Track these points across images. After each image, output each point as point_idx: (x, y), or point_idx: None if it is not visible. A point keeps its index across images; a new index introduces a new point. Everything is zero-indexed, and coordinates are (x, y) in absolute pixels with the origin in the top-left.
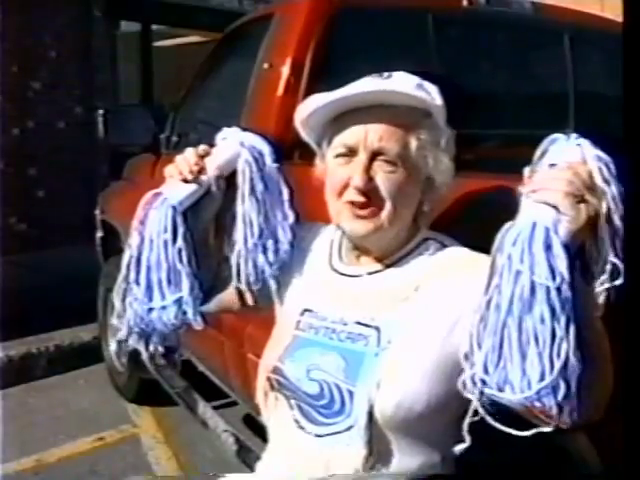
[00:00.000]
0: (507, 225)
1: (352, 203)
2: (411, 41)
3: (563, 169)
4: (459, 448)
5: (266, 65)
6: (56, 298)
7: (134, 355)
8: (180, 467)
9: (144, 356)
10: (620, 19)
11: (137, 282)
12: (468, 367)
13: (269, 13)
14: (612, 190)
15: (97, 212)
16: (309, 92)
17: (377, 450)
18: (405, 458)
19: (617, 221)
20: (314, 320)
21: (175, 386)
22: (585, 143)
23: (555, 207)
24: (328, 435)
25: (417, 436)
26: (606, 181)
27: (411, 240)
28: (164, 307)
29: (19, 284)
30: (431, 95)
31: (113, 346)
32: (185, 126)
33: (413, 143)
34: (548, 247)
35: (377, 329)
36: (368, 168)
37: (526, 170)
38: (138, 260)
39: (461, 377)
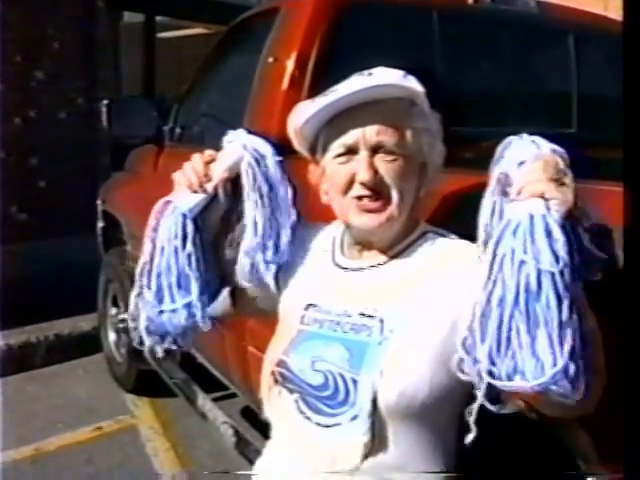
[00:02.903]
0: (493, 221)
1: (359, 198)
2: (416, 37)
3: (533, 162)
4: (468, 439)
5: (271, 59)
6: (56, 288)
7: (133, 346)
8: (178, 458)
9: (146, 350)
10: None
11: (149, 286)
12: (471, 363)
13: (275, 7)
14: (569, 179)
15: (98, 202)
16: (314, 86)
17: (379, 440)
18: (407, 449)
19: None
20: (318, 314)
21: (174, 377)
22: (538, 139)
23: (541, 196)
24: (334, 426)
25: (419, 427)
26: (568, 173)
27: (411, 233)
28: (174, 310)
29: (19, 273)
30: (414, 84)
31: (112, 336)
32: (189, 118)
33: (408, 132)
34: (549, 234)
35: (380, 320)
36: (371, 163)
37: (494, 171)
38: (150, 266)
39: (458, 362)
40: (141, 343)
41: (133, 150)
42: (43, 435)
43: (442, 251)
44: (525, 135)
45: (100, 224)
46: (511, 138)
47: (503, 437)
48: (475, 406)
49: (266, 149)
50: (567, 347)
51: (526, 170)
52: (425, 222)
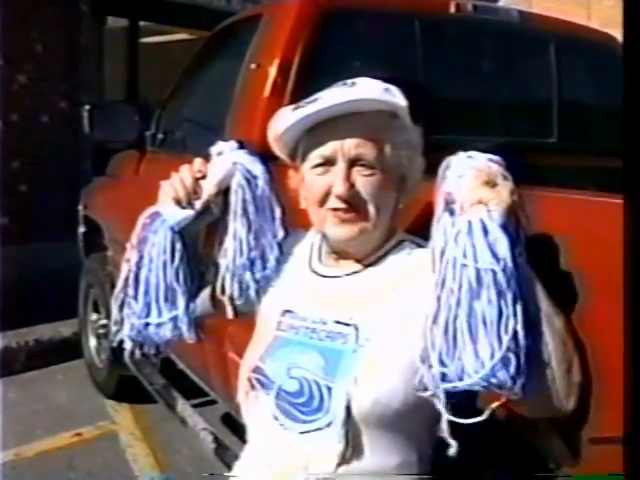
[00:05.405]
0: (439, 233)
1: (334, 210)
2: (398, 45)
3: (469, 174)
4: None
5: (253, 65)
6: (36, 293)
7: (114, 352)
8: (158, 464)
9: (127, 354)
10: (606, 29)
11: (135, 298)
12: (426, 369)
13: (258, 14)
14: (503, 181)
15: (80, 207)
16: (296, 93)
17: (353, 447)
18: (381, 456)
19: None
20: (294, 320)
21: (154, 383)
22: (474, 154)
23: (479, 202)
24: (308, 432)
25: (393, 434)
26: (503, 176)
27: (388, 242)
28: (160, 324)
29: None
30: (397, 97)
31: (93, 342)
32: (171, 124)
33: (387, 146)
34: (486, 233)
35: (355, 327)
36: (348, 176)
37: (440, 191)
38: (136, 277)
39: (419, 378)
40: (121, 347)
41: (115, 155)
42: (23, 440)
43: (417, 260)
44: (461, 153)
45: (81, 229)
46: (450, 158)
47: (476, 441)
48: (443, 421)
49: (257, 168)
50: (506, 339)
51: (463, 183)
52: (405, 230)
